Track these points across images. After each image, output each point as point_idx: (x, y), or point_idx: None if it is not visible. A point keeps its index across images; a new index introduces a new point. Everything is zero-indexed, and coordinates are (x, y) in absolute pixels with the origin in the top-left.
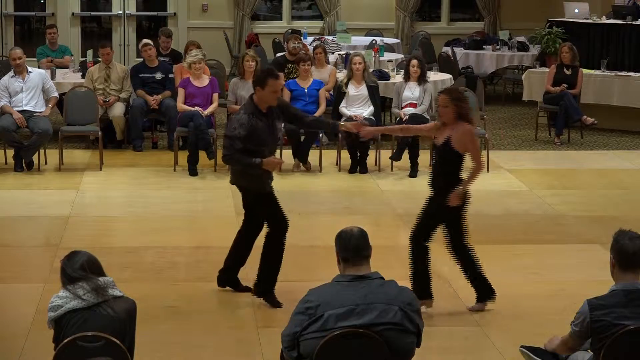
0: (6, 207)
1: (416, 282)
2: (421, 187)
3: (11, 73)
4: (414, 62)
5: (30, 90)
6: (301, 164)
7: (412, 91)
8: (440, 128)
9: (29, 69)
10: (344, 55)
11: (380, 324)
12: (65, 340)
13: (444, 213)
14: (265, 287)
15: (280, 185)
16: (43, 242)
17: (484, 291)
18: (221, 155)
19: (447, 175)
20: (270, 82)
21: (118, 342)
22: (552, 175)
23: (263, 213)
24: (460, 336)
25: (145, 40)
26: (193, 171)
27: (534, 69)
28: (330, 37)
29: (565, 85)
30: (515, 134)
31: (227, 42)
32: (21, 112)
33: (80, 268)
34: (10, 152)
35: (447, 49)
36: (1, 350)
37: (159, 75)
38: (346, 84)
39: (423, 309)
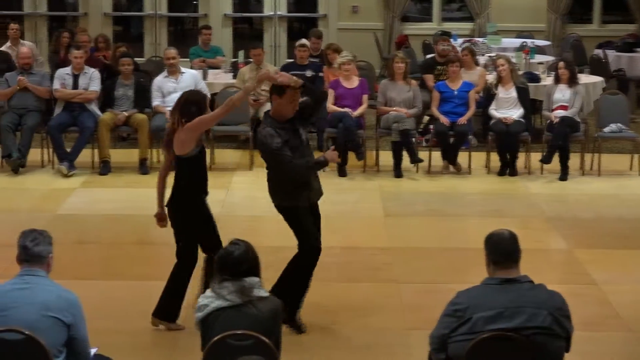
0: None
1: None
2: (572, 191)
3: (164, 73)
4: (562, 64)
5: (183, 91)
6: (450, 165)
7: (562, 93)
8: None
9: (182, 69)
10: (494, 57)
11: (529, 328)
12: (216, 338)
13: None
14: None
15: (430, 186)
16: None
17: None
18: (290, 173)
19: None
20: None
21: (267, 340)
22: None
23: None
24: (610, 341)
25: (303, 40)
26: (342, 172)
27: None
28: (480, 39)
29: None
30: None
31: (377, 44)
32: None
33: (231, 265)
34: None
35: (598, 52)
36: (153, 345)
37: (309, 73)
38: (496, 86)
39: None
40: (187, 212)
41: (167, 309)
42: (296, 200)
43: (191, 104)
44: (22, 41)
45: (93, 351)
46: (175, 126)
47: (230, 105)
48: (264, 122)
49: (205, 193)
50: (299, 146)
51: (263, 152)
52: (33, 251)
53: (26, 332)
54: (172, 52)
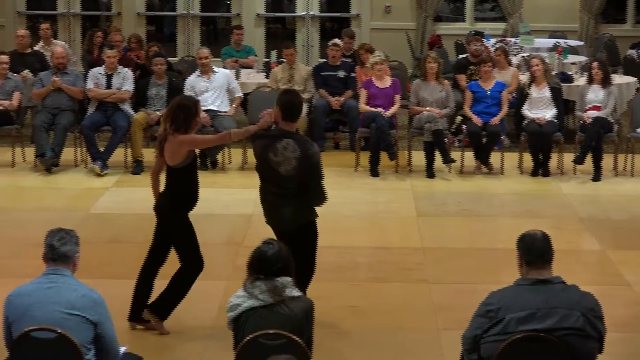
0: None
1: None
2: (605, 191)
3: (197, 73)
4: (595, 64)
5: (215, 90)
6: (483, 165)
7: (595, 94)
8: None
9: (215, 68)
10: (527, 57)
11: (561, 329)
12: (248, 338)
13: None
14: None
15: (462, 187)
16: (226, 240)
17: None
18: (321, 200)
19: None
20: None
21: (299, 340)
22: None
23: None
24: None
25: (335, 40)
26: (374, 172)
27: None
28: (513, 39)
29: None
30: None
31: (409, 44)
32: (206, 111)
33: (264, 265)
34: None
35: (632, 52)
36: (185, 344)
37: (341, 73)
38: (529, 86)
39: None
40: (174, 220)
41: (164, 307)
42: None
43: (180, 110)
44: (54, 41)
45: (122, 349)
46: (166, 132)
47: (227, 138)
48: (308, 140)
49: (195, 201)
50: None
51: (313, 173)
52: (60, 250)
53: (58, 331)
54: (205, 51)
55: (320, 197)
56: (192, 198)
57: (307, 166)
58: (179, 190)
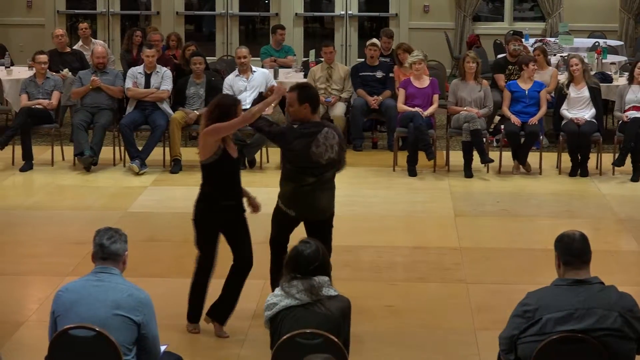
0: None
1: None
2: None
3: (235, 72)
4: None
5: (254, 89)
6: (521, 165)
7: (635, 94)
8: None
9: (253, 68)
10: (566, 57)
11: (599, 330)
12: (285, 337)
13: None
14: None
15: (500, 187)
16: (263, 239)
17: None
18: (344, 165)
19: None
20: None
21: (336, 339)
22: None
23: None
24: None
25: (373, 40)
26: (412, 172)
27: None
28: (552, 39)
29: None
30: None
31: (448, 43)
32: (244, 110)
33: (302, 263)
34: None
35: None
36: (223, 343)
37: (379, 74)
38: (567, 86)
39: None
40: (195, 209)
41: (192, 311)
42: None
43: (217, 107)
44: (94, 40)
45: (163, 348)
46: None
47: (249, 116)
48: (333, 124)
49: (220, 201)
50: None
51: (344, 149)
52: (110, 249)
53: (97, 329)
54: (244, 51)
55: (344, 163)
56: (215, 197)
57: (344, 146)
58: (204, 184)
